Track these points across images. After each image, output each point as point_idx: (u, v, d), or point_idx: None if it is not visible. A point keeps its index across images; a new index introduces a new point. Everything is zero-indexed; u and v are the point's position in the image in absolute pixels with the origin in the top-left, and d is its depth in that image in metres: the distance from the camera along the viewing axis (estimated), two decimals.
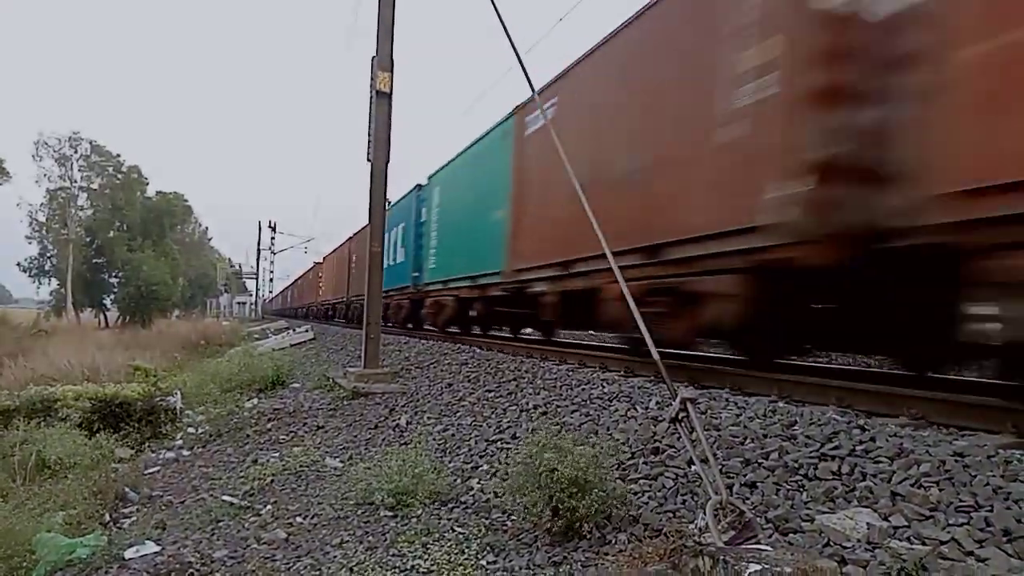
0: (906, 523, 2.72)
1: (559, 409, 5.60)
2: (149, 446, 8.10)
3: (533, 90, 5.82)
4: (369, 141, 9.41)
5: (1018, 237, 3.35)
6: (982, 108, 3.54)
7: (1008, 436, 3.48)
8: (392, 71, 9.34)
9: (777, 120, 4.68)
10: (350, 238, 25.26)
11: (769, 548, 2.68)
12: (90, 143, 50.60)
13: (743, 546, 2.67)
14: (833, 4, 4.38)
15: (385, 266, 12.07)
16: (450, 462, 5.14)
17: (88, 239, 50.81)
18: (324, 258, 36.04)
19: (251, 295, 76.04)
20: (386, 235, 12.83)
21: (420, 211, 15.66)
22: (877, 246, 4.08)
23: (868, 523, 2.76)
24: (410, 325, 16.99)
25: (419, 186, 16.07)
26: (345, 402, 8.20)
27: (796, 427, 3.92)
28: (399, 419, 6.83)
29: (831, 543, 2.73)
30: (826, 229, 4.27)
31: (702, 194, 5.54)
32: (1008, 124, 3.39)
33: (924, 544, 2.55)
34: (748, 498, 3.31)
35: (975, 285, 3.71)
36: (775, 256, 4.64)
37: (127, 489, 6.13)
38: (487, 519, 3.99)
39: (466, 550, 3.61)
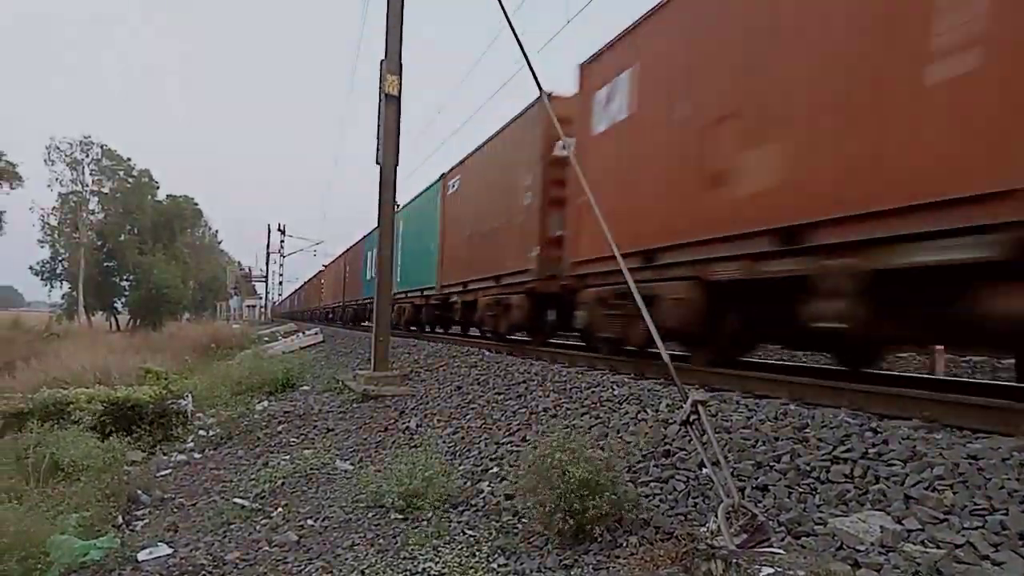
0: (920, 526, 2.70)
1: (569, 412, 5.60)
2: (161, 449, 8.15)
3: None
4: (378, 143, 9.44)
5: (594, 282, 7.64)
6: (576, 226, 8.06)
7: (1023, 438, 3.45)
8: (400, 74, 9.37)
9: (535, 215, 9.38)
10: (346, 251, 29.78)
11: (782, 551, 2.67)
12: (101, 147, 51.07)
13: (755, 549, 2.66)
14: (556, 152, 8.95)
15: (368, 278, 19.40)
16: (460, 465, 5.14)
17: (99, 243, 51.26)
18: (326, 266, 40.06)
19: (260, 298, 76.36)
20: (369, 253, 19.45)
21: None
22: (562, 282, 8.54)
23: (881, 526, 2.74)
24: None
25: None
26: (355, 405, 8.22)
27: (808, 430, 3.90)
28: (409, 422, 6.84)
29: (844, 546, 2.71)
30: (548, 272, 8.96)
31: (511, 249, 10.26)
32: (582, 238, 7.78)
33: (939, 548, 2.53)
34: (760, 501, 3.30)
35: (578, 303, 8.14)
36: (533, 286, 9.44)
37: (139, 492, 6.18)
38: (498, 522, 3.99)
39: (477, 553, 3.61)
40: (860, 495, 3.09)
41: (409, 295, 17.19)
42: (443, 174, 14.82)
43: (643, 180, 6.85)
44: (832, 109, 4.53)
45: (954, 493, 2.84)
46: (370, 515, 4.47)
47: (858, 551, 2.65)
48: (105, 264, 51.57)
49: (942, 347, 9.85)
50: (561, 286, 8.64)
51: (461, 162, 13.60)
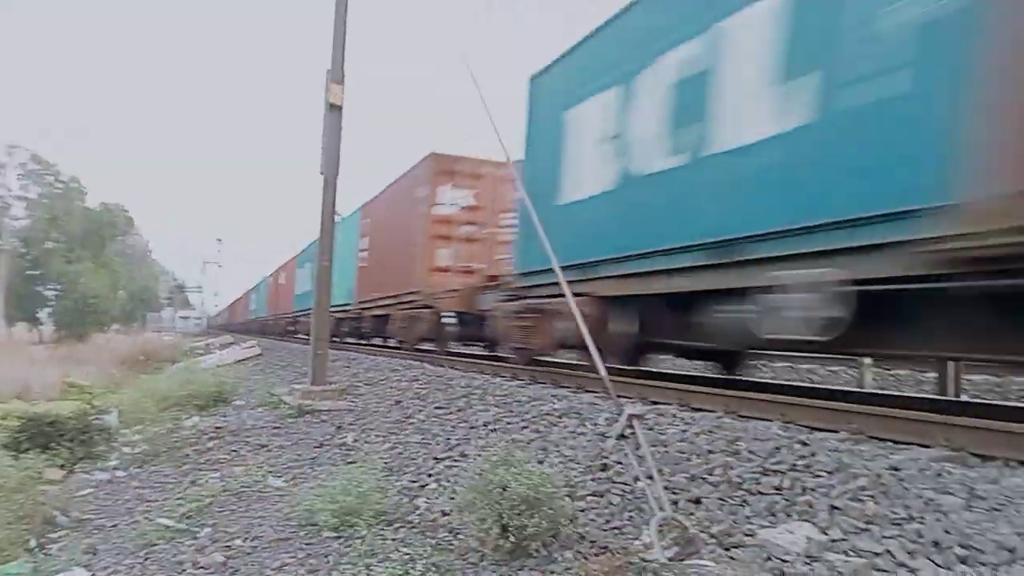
0: (843, 536, 2.78)
1: (509, 426, 5.58)
2: (82, 467, 7.74)
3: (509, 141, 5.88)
4: (322, 154, 9.29)
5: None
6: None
7: (941, 449, 3.60)
8: (343, 84, 9.26)
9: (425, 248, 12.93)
10: (280, 267, 31.66)
11: (711, 564, 2.71)
12: (28, 151, 48.77)
13: (686, 562, 2.68)
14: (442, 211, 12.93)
15: (301, 292, 22.19)
16: (397, 480, 5.05)
17: (23, 250, 48.78)
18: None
19: (195, 309, 74.06)
20: (301, 268, 22.31)
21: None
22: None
23: (808, 536, 2.81)
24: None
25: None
26: (290, 420, 8.00)
27: (740, 442, 3.98)
28: (346, 437, 6.70)
29: (772, 557, 2.77)
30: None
31: (391, 275, 14.40)
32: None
33: (860, 556, 2.61)
34: (693, 513, 3.34)
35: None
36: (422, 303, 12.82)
37: (56, 512, 5.83)
38: (433, 538, 3.93)
39: (411, 571, 3.53)
40: (788, 506, 3.16)
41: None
42: (361, 205, 18.35)
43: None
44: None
45: (876, 503, 2.94)
46: (302, 534, 4.34)
47: (785, 561, 2.70)
48: (28, 272, 49.06)
49: (869, 360, 10.34)
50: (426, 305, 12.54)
51: (367, 203, 17.85)
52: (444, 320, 12.24)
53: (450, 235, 12.71)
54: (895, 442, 3.87)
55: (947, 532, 2.60)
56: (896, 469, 3.20)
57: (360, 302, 17.32)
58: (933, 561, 2.47)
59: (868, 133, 4.12)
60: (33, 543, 5.22)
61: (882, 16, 3.98)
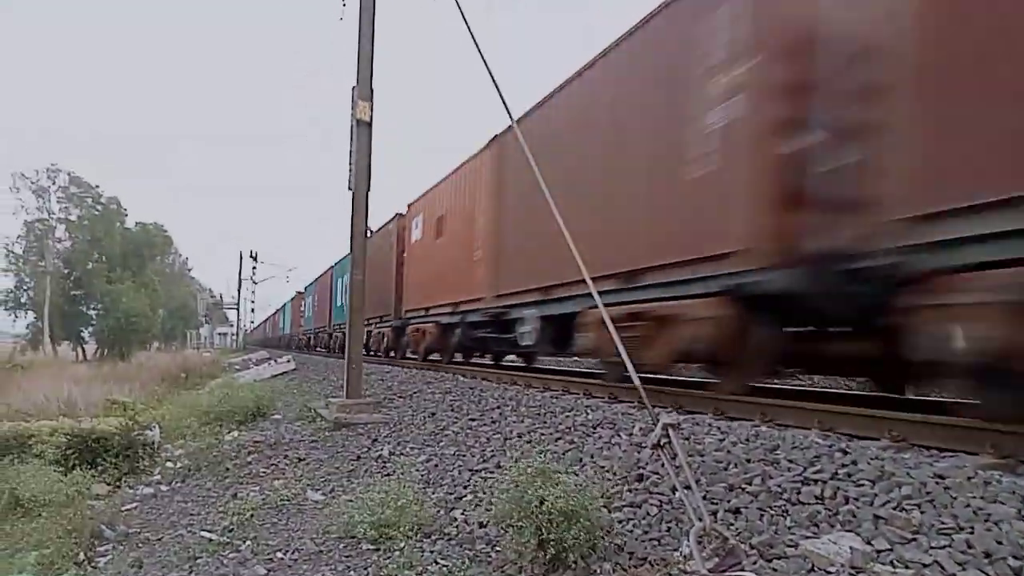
0: (889, 547, 2.72)
1: (543, 437, 5.57)
2: (127, 482, 7.93)
3: (517, 121, 5.89)
4: (350, 170, 9.42)
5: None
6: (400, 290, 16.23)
7: (988, 457, 3.51)
8: (372, 100, 9.39)
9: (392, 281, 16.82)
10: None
11: (753, 575, 2.67)
12: (68, 174, 50.24)
13: (727, 573, 2.65)
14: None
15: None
16: (433, 493, 5.08)
17: (66, 271, 50.19)
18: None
19: (232, 326, 75.31)
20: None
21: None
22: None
23: (851, 547, 2.76)
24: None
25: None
26: (327, 433, 8.09)
27: (779, 451, 3.93)
28: (382, 450, 6.75)
29: (815, 568, 2.72)
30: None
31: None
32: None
33: (907, 567, 2.55)
34: (732, 524, 3.30)
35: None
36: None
37: (103, 527, 5.99)
38: (471, 551, 3.94)
39: None
40: (830, 516, 3.11)
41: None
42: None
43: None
44: None
45: (922, 512, 2.88)
46: (341, 546, 4.38)
47: (829, 572, 2.66)
48: (72, 293, 50.42)
49: None
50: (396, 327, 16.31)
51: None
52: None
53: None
54: (940, 449, 3.78)
55: (998, 543, 2.53)
56: (941, 477, 3.13)
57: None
58: (984, 573, 2.41)
59: None
60: (82, 556, 5.37)
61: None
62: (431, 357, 14.23)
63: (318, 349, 30.16)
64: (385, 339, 17.79)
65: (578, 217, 6.26)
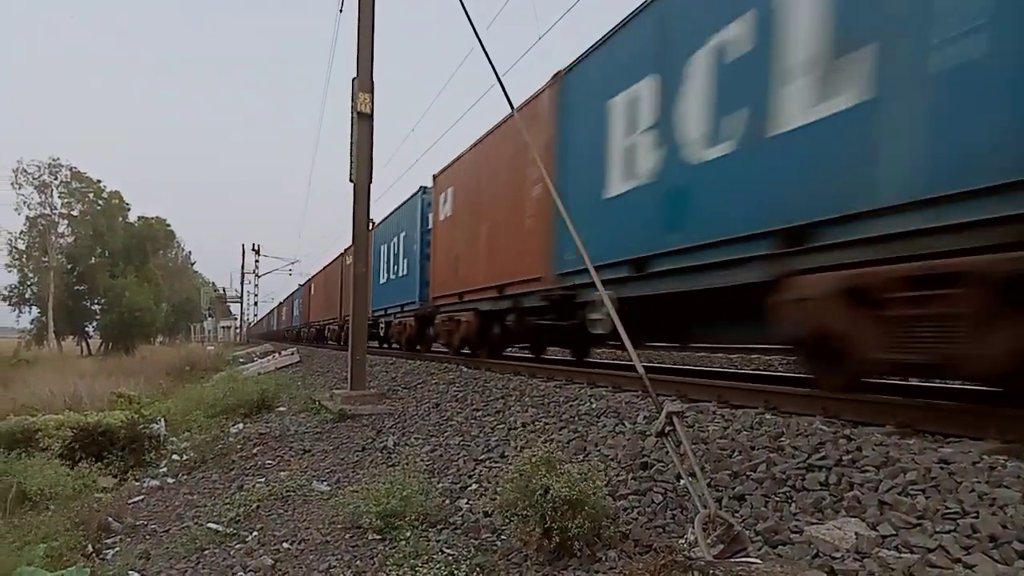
0: (894, 532, 2.72)
1: (547, 426, 5.58)
2: (133, 474, 7.97)
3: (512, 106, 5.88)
4: (351, 161, 9.41)
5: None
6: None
7: (993, 442, 3.50)
8: (372, 92, 9.37)
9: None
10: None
11: (758, 561, 2.68)
12: (70, 169, 50.26)
13: (733, 560, 2.66)
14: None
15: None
16: (439, 483, 5.10)
17: (69, 266, 50.32)
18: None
19: (235, 319, 75.47)
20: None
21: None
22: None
23: (856, 533, 2.76)
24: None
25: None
26: (332, 425, 8.12)
27: (783, 438, 3.93)
28: (386, 440, 6.77)
29: (820, 554, 2.72)
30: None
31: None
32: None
33: (912, 552, 2.55)
34: (737, 511, 3.30)
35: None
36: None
37: (110, 519, 6.03)
38: (476, 539, 3.96)
39: (455, 572, 3.56)
40: (835, 502, 3.11)
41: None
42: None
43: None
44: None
45: (927, 498, 2.87)
46: (347, 536, 4.41)
47: (834, 558, 2.66)
48: (75, 288, 50.61)
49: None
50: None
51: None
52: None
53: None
54: (944, 435, 3.77)
55: (1004, 527, 2.53)
56: (946, 462, 3.12)
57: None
58: (990, 557, 2.41)
59: None
60: (90, 548, 5.40)
61: None
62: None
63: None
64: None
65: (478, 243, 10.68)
